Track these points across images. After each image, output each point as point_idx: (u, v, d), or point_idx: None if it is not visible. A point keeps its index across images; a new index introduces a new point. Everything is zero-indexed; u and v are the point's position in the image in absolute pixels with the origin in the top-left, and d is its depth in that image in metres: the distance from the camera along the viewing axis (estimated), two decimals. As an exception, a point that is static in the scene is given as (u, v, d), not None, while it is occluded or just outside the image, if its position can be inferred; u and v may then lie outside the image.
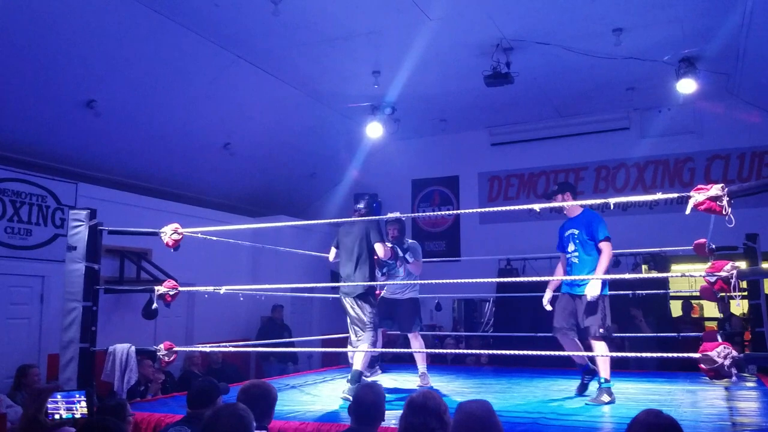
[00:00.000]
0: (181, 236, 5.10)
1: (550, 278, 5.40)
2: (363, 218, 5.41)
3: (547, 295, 5.40)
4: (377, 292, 5.99)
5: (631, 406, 4.71)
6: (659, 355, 4.00)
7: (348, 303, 5.41)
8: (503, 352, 4.44)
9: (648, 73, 8.19)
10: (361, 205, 5.58)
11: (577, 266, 5.13)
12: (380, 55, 7.79)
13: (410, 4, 6.52)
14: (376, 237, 5.41)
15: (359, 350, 5.24)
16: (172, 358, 5.15)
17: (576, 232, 5.14)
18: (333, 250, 5.72)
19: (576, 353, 5.21)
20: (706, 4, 6.62)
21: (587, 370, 5.37)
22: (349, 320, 5.48)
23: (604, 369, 4.98)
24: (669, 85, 8.15)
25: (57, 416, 3.28)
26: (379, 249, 5.40)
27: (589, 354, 5.16)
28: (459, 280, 4.90)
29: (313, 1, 6.54)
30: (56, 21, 6.20)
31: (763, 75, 8.22)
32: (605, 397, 4.89)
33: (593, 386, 5.20)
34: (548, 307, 5.38)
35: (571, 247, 5.18)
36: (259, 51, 7.69)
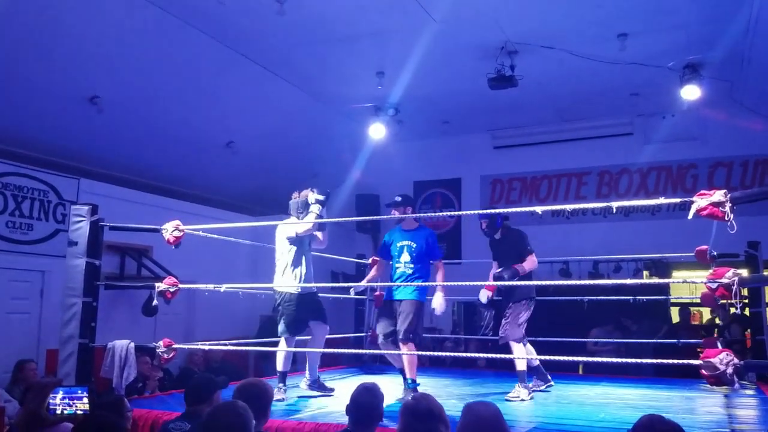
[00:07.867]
0: (182, 233, 5.09)
1: (548, 282, 5.99)
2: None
3: (360, 287, 5.89)
4: (378, 293, 5.97)
5: (630, 412, 4.69)
6: (660, 361, 4.00)
7: None
8: (503, 356, 4.53)
9: (652, 78, 8.18)
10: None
11: (409, 276, 5.41)
12: (384, 56, 7.78)
13: (415, 5, 6.52)
14: None
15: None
16: (171, 356, 5.14)
17: (413, 245, 5.44)
18: None
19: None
20: (711, 11, 6.62)
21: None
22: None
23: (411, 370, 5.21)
24: (673, 91, 8.13)
25: (58, 411, 3.26)
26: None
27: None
28: (460, 283, 4.91)
29: (319, 2, 6.54)
30: (60, 16, 6.20)
31: (766, 83, 8.22)
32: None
33: None
34: (352, 293, 6.01)
35: (405, 258, 5.45)
36: (263, 50, 7.69)
